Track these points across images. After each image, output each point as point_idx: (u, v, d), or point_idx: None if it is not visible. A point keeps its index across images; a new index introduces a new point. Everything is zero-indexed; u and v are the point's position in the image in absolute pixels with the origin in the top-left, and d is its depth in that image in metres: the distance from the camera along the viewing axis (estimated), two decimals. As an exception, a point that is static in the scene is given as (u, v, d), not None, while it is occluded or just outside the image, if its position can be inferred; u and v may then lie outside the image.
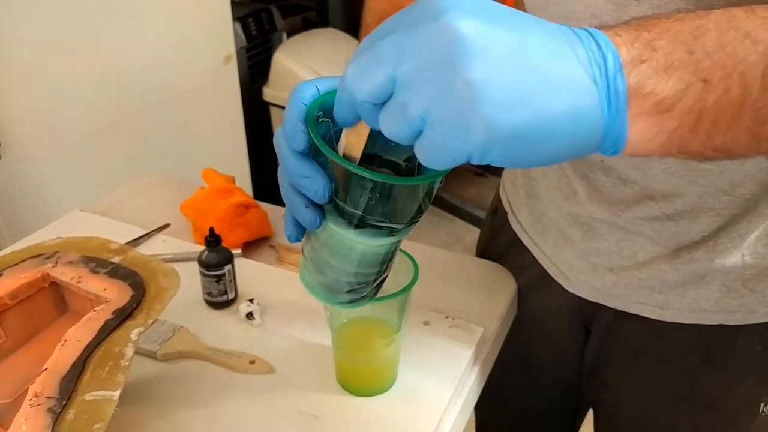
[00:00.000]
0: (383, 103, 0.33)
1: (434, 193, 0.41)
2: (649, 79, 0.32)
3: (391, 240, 0.43)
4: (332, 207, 0.41)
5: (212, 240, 0.70)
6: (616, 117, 0.32)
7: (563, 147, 0.32)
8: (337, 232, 0.42)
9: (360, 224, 0.40)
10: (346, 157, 0.40)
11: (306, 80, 0.41)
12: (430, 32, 0.31)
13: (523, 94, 0.30)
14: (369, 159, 0.43)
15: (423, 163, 0.33)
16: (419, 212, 0.41)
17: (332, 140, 0.42)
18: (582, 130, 0.32)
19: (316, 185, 0.39)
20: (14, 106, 1.35)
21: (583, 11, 0.51)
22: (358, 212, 0.39)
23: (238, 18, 2.04)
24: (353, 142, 0.39)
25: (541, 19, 0.33)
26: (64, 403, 0.45)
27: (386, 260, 0.45)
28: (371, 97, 0.33)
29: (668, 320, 0.62)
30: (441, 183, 0.41)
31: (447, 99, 0.30)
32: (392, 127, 0.33)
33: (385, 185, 0.38)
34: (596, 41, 0.33)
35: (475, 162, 0.32)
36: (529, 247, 0.74)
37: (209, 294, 0.71)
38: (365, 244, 0.42)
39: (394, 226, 0.41)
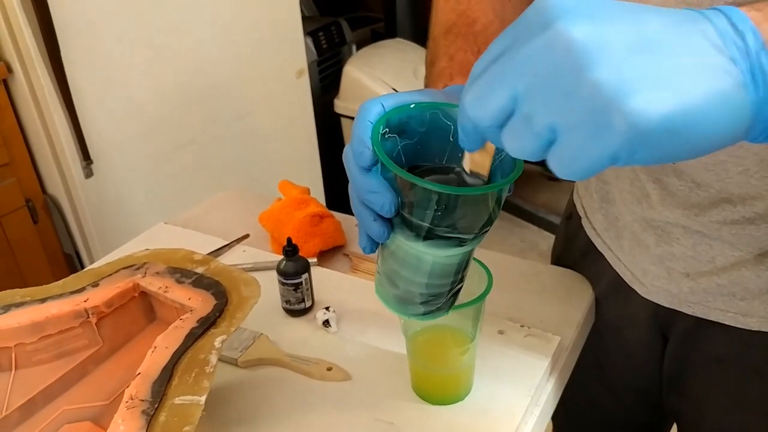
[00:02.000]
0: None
1: (503, 202, 0.41)
2: None
3: (461, 250, 0.43)
4: (400, 220, 0.41)
5: (290, 250, 0.72)
6: (765, 97, 0.30)
7: (712, 134, 0.30)
8: (406, 244, 0.43)
9: (428, 236, 0.41)
10: (474, 175, 0.40)
11: (372, 98, 0.42)
12: (544, 43, 0.30)
13: (656, 84, 0.29)
14: (439, 170, 0.44)
15: (560, 174, 0.32)
16: (488, 222, 0.41)
17: (400, 155, 0.43)
18: (727, 115, 0.30)
19: (383, 200, 0.40)
20: (104, 127, 1.44)
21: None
22: (426, 224, 0.40)
23: (309, 32, 2.10)
24: (478, 159, 0.39)
25: (660, 8, 0.31)
26: (156, 406, 0.48)
27: (459, 271, 0.45)
28: (495, 121, 0.32)
29: (754, 328, 0.60)
30: (510, 191, 0.41)
31: (576, 102, 0.29)
32: (519, 143, 0.32)
33: (450, 196, 0.38)
34: (729, 19, 0.31)
35: (621, 164, 0.30)
36: (604, 253, 0.72)
37: (287, 302, 0.73)
38: (435, 255, 0.43)
39: (463, 236, 0.41)
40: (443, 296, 0.47)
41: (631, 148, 0.29)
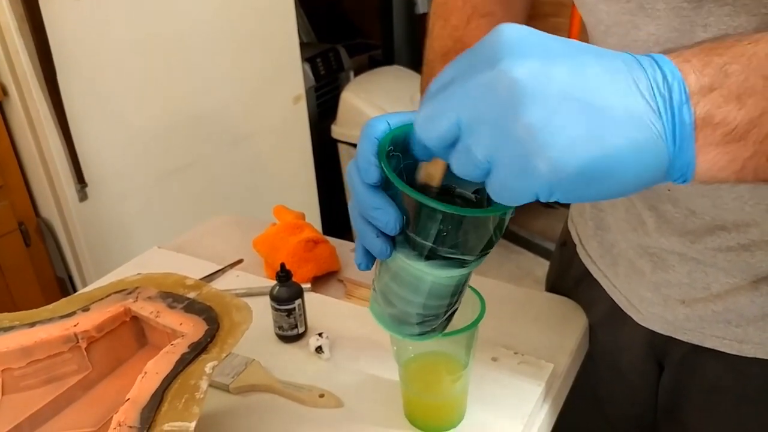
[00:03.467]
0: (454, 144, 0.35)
1: (506, 225, 0.41)
2: (719, 108, 0.32)
3: (461, 272, 0.43)
4: (403, 238, 0.41)
5: (283, 275, 0.72)
6: (682, 149, 0.32)
7: (628, 181, 0.32)
8: (407, 263, 0.42)
9: (430, 255, 0.41)
10: (425, 186, 0.40)
11: (377, 116, 0.42)
12: (488, 80, 0.32)
13: (584, 133, 0.31)
14: (441, 191, 0.44)
15: (494, 199, 0.35)
16: (490, 244, 0.41)
17: (402, 174, 0.43)
18: (646, 164, 0.32)
19: (388, 217, 0.40)
20: (99, 152, 1.44)
21: (645, 40, 0.51)
22: (429, 243, 0.40)
23: (306, 59, 2.12)
24: (431, 172, 0.41)
25: (601, 50, 0.33)
26: (144, 432, 0.47)
27: (456, 292, 0.45)
28: (440, 142, 0.35)
29: (749, 355, 0.60)
30: (512, 214, 0.41)
31: (508, 143, 0.32)
32: (461, 168, 0.35)
33: (455, 216, 0.38)
34: (661, 70, 0.32)
35: (542, 200, 0.33)
36: (599, 280, 0.72)
37: (280, 328, 0.73)
38: (435, 275, 0.43)
39: (465, 257, 0.41)
40: (439, 317, 0.46)
41: (550, 189, 0.32)
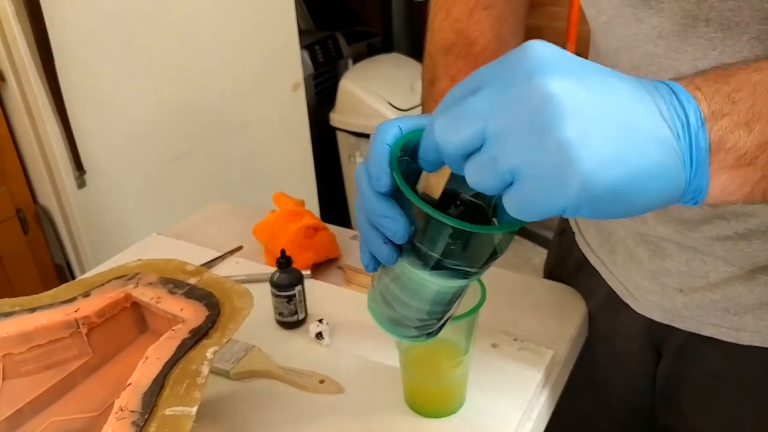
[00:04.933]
0: (469, 154, 0.34)
1: (513, 237, 0.41)
2: (730, 133, 0.33)
3: (464, 282, 0.43)
4: (410, 247, 0.41)
5: (283, 261, 0.72)
6: (698, 172, 0.33)
7: (648, 201, 0.33)
8: (411, 271, 0.42)
9: (436, 266, 0.40)
10: (425, 197, 0.40)
11: (389, 120, 0.42)
12: (522, 93, 0.31)
13: (615, 151, 0.31)
14: (447, 196, 0.44)
15: (511, 213, 0.34)
16: (494, 256, 0.41)
17: (409, 178, 0.43)
18: (667, 185, 0.33)
19: (396, 226, 0.40)
20: (97, 139, 1.43)
21: (648, 33, 0.51)
22: (436, 255, 0.40)
23: (305, 46, 2.11)
24: (434, 183, 0.40)
25: (620, 74, 0.34)
26: (146, 417, 0.47)
27: (456, 298, 0.46)
28: (460, 150, 0.34)
29: (746, 343, 0.60)
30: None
31: (541, 155, 0.31)
32: (479, 178, 0.34)
33: (464, 232, 0.38)
34: (677, 96, 0.33)
35: (567, 216, 0.33)
36: (597, 268, 0.72)
37: (280, 314, 0.73)
38: (439, 284, 0.42)
39: (470, 269, 0.41)
40: (437, 322, 0.47)
41: (578, 205, 0.32)
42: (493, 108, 0.32)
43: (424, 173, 0.41)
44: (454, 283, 0.43)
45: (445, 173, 0.39)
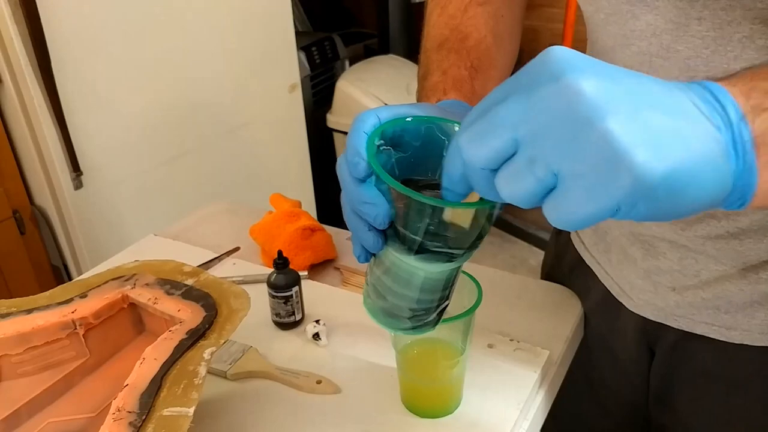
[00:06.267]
0: (496, 170, 0.32)
1: (494, 219, 0.41)
2: None
3: (451, 266, 0.43)
4: (393, 232, 0.41)
5: (281, 262, 0.72)
6: (744, 166, 0.32)
7: (700, 196, 0.31)
8: (397, 257, 0.42)
9: (420, 250, 0.41)
10: (454, 227, 0.40)
11: (367, 110, 0.42)
12: (553, 93, 0.30)
13: (658, 142, 0.29)
14: (428, 186, 0.44)
15: (556, 223, 0.32)
16: (479, 237, 0.41)
17: (393, 168, 0.43)
18: (715, 180, 0.31)
19: (376, 211, 0.40)
20: (93, 140, 1.43)
21: (643, 30, 0.51)
22: (418, 238, 0.40)
23: (302, 47, 2.11)
24: (461, 212, 0.39)
25: (649, 76, 0.33)
26: (143, 417, 0.47)
27: (447, 286, 0.46)
28: (491, 163, 0.32)
29: (737, 342, 0.60)
30: (501, 207, 0.42)
31: (586, 150, 0.29)
32: (516, 186, 0.32)
33: (444, 210, 0.38)
34: (712, 93, 0.32)
35: (620, 217, 0.31)
36: (592, 267, 0.73)
37: (277, 315, 0.73)
38: (425, 270, 0.43)
39: (454, 251, 0.41)
40: (431, 312, 0.47)
41: (633, 201, 0.30)
42: (524, 112, 0.31)
43: (446, 209, 0.39)
44: (441, 267, 0.43)
45: (473, 199, 0.38)
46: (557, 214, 0.31)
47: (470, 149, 0.33)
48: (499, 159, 0.32)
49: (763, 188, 0.32)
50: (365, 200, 0.40)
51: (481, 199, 0.40)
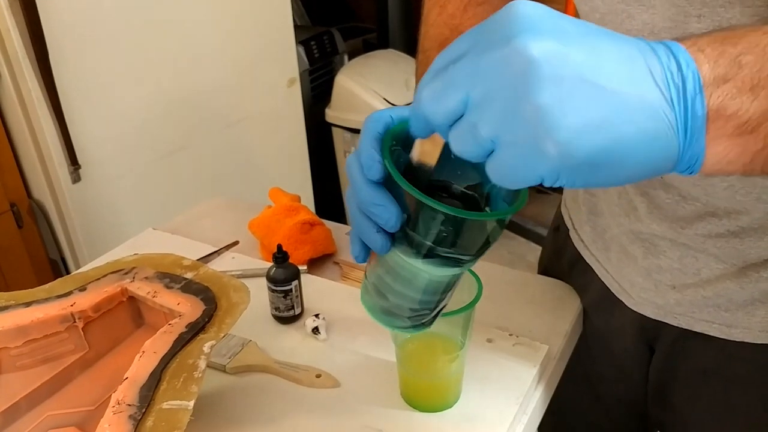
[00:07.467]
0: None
1: (505, 226, 0.41)
2: (732, 99, 0.31)
3: (457, 270, 0.43)
4: (402, 235, 0.41)
5: (280, 256, 0.72)
6: (692, 140, 0.32)
7: (636, 170, 0.32)
8: (403, 260, 0.42)
9: (428, 254, 0.40)
10: (420, 164, 0.40)
11: (380, 110, 0.42)
12: (502, 56, 0.31)
13: (596, 119, 0.30)
14: (439, 188, 0.44)
15: (494, 181, 0.34)
16: (487, 244, 0.41)
17: (400, 168, 0.43)
18: (655, 154, 0.31)
19: (389, 214, 0.40)
20: (92, 132, 1.43)
21: (640, 29, 0.51)
22: (428, 243, 0.40)
23: (300, 42, 2.10)
24: (428, 150, 0.40)
25: (616, 34, 0.32)
26: (143, 410, 0.47)
27: (449, 288, 0.46)
28: (446, 120, 0.34)
29: (737, 339, 0.60)
30: (511, 216, 0.41)
31: (517, 123, 0.31)
32: (462, 146, 0.33)
33: (457, 218, 0.38)
34: (676, 59, 0.31)
35: (547, 185, 0.32)
36: (591, 264, 0.73)
37: (277, 309, 0.73)
38: (431, 273, 0.42)
39: (463, 257, 0.41)
40: (430, 312, 0.47)
41: (557, 173, 0.31)
42: (474, 73, 0.32)
43: (417, 141, 0.40)
44: (447, 272, 0.43)
45: (439, 141, 0.39)
46: (493, 174, 0.33)
47: (428, 107, 0.34)
48: (452, 117, 0.33)
49: (712, 159, 0.32)
50: (378, 202, 0.40)
51: (484, 199, 0.41)
